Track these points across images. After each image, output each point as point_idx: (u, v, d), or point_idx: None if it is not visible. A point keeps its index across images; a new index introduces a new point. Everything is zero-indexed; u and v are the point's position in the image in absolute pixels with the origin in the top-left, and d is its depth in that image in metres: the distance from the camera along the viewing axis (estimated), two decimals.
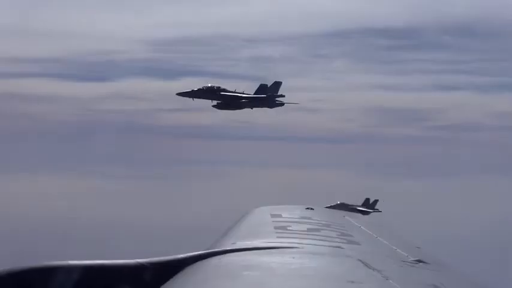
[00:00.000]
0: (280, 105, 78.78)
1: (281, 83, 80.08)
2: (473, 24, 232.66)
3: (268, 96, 77.02)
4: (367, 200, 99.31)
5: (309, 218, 9.38)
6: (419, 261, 7.13)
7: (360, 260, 6.55)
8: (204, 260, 6.56)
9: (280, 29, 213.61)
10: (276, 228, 8.35)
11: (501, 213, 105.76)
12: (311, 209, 10.45)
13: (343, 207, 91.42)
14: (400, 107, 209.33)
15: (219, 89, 75.89)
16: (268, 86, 79.04)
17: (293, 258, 6.41)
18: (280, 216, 9.47)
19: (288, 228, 8.36)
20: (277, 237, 7.67)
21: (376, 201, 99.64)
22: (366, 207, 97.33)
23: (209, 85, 75.60)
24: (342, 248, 7.31)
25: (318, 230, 8.40)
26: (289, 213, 9.81)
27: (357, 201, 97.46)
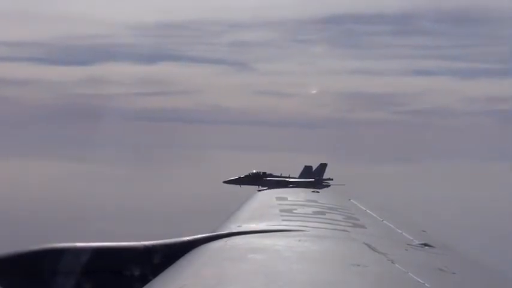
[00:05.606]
0: (327, 187, 79.02)
1: (326, 165, 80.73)
2: (452, 10, 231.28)
3: (316, 180, 77.57)
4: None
5: (315, 201, 9.39)
6: (425, 244, 7.12)
7: (366, 244, 6.55)
8: (209, 243, 6.57)
9: (265, 14, 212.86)
10: (281, 211, 8.35)
11: (476, 196, 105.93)
12: (317, 192, 10.47)
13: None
14: (376, 91, 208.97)
15: (264, 175, 77.28)
16: (313, 168, 79.82)
17: (298, 241, 6.41)
18: (285, 199, 9.49)
19: (294, 211, 8.36)
20: (283, 220, 7.67)
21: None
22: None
23: (254, 171, 76.91)
24: (348, 231, 7.31)
25: (323, 213, 8.41)
26: (295, 196, 9.83)
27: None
